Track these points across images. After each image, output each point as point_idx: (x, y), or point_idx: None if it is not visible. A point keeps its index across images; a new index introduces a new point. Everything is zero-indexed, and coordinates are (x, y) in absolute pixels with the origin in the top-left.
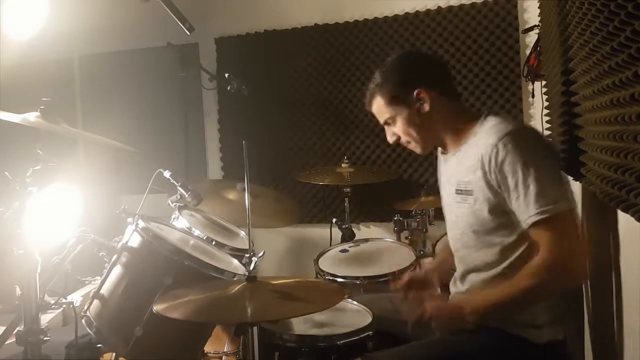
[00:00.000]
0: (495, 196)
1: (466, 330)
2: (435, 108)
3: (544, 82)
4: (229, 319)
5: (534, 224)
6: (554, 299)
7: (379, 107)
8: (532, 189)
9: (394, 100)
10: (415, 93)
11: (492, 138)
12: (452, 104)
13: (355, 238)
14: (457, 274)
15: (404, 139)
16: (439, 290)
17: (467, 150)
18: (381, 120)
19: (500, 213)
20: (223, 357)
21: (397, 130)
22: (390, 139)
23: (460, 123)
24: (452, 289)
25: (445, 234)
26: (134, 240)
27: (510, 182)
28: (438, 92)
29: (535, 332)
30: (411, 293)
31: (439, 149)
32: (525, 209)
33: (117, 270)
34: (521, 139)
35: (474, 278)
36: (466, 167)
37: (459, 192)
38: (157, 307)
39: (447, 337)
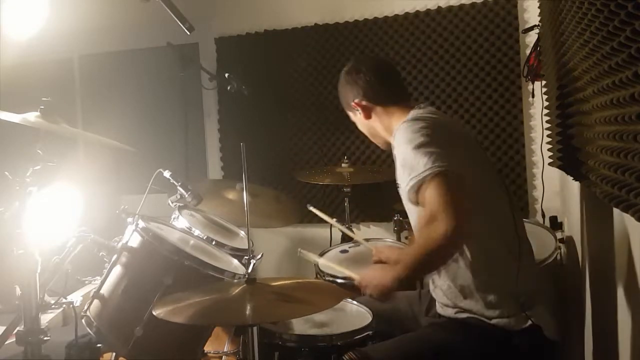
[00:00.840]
0: (401, 181)
1: (446, 323)
2: (371, 115)
3: (544, 82)
4: (228, 322)
5: (409, 191)
6: (502, 292)
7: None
8: (408, 164)
9: (344, 108)
10: (352, 104)
11: (395, 131)
12: (391, 107)
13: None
14: None
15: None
16: None
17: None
18: None
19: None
20: (223, 357)
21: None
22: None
23: (395, 122)
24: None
25: None
26: (134, 240)
27: (400, 163)
28: (371, 101)
29: (507, 322)
30: None
31: None
32: (406, 182)
33: (117, 270)
34: (407, 125)
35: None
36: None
37: (399, 185)
38: (157, 312)
39: (433, 330)
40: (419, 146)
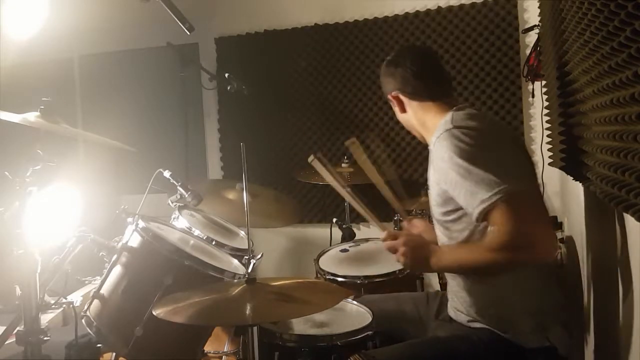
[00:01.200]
0: (441, 191)
1: (458, 331)
2: (409, 109)
3: (544, 82)
4: (228, 322)
5: (478, 217)
6: (535, 305)
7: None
8: (466, 184)
9: (387, 94)
10: (390, 96)
11: (435, 136)
12: (426, 102)
13: (355, 238)
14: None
15: None
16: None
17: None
18: None
19: (451, 208)
20: (223, 357)
21: None
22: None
23: (431, 120)
24: (449, 288)
25: None
26: (134, 240)
27: (449, 180)
28: (409, 96)
29: (522, 338)
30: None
31: None
32: (467, 204)
33: (117, 270)
34: (455, 134)
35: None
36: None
37: (429, 189)
38: (157, 312)
39: (444, 336)
40: (475, 164)
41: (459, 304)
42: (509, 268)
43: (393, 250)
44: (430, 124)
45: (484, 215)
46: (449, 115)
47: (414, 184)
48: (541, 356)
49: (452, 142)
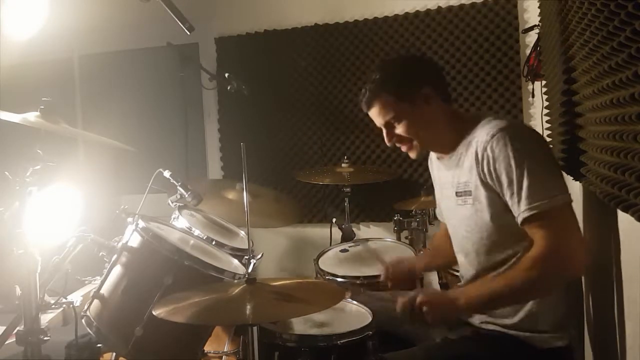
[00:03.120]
0: (491, 194)
1: (470, 333)
2: (437, 109)
3: (544, 82)
4: (229, 321)
5: (526, 220)
6: (555, 303)
7: (383, 106)
8: (525, 184)
9: (400, 97)
10: (421, 92)
11: (485, 135)
12: (449, 106)
13: (355, 238)
14: (467, 277)
15: (405, 140)
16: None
17: (465, 151)
18: (382, 121)
19: (501, 211)
20: (223, 357)
21: (401, 130)
22: (389, 141)
23: (458, 124)
24: None
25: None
26: (134, 240)
27: (504, 179)
28: (438, 94)
29: (538, 337)
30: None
31: (432, 154)
32: (518, 205)
33: (117, 270)
34: (514, 135)
35: None
36: (464, 167)
37: (459, 194)
38: (157, 312)
39: (455, 341)
40: (532, 166)
41: None
42: (546, 286)
43: (418, 316)
44: (456, 129)
45: (531, 220)
46: (488, 120)
47: (414, 184)
48: (555, 356)
49: (511, 141)
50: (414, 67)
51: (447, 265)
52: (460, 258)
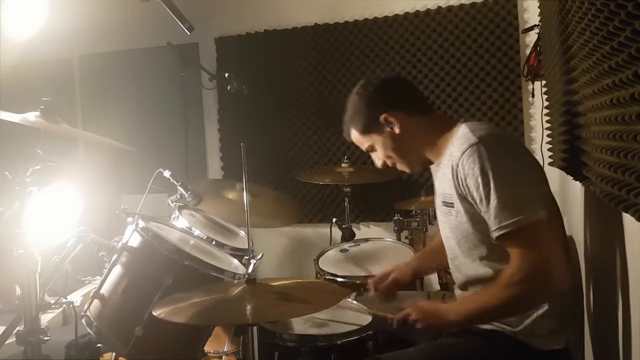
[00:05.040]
0: (469, 207)
1: (472, 333)
2: (405, 128)
3: (544, 82)
4: (229, 322)
5: (499, 238)
6: (553, 306)
7: (356, 138)
8: (493, 203)
9: (365, 129)
10: (382, 118)
11: (458, 150)
12: (422, 118)
13: (355, 238)
14: (457, 283)
15: (389, 162)
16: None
17: (446, 161)
18: (363, 149)
19: (482, 224)
20: (223, 357)
21: (379, 156)
22: (378, 163)
23: (436, 135)
24: (457, 294)
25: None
26: (134, 240)
27: (475, 195)
28: (404, 112)
29: (537, 340)
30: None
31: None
32: (491, 221)
33: (117, 270)
34: (484, 150)
35: (473, 290)
36: (446, 178)
37: (444, 204)
38: (157, 312)
39: (453, 341)
40: (503, 183)
41: None
42: (527, 302)
43: (410, 323)
44: (438, 137)
45: (502, 239)
46: (462, 130)
47: (414, 184)
48: (554, 358)
49: (480, 158)
50: (370, 98)
51: (439, 268)
52: (451, 264)
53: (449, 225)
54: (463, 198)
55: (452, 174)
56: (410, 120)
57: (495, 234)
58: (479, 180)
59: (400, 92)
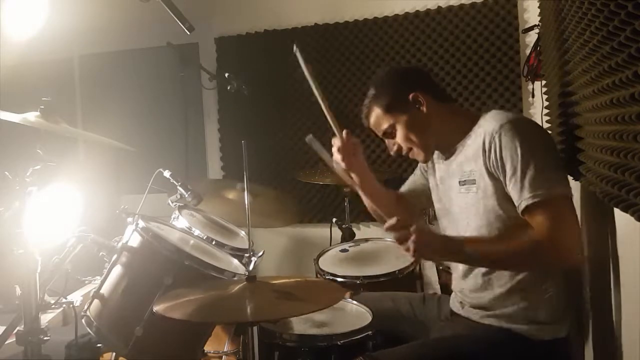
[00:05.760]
0: (495, 183)
1: (466, 329)
2: (432, 109)
3: (544, 82)
4: (229, 319)
5: (527, 208)
6: (553, 295)
7: (378, 118)
8: (529, 174)
9: (391, 107)
10: (411, 97)
11: (492, 126)
12: (447, 105)
13: (355, 238)
14: (462, 269)
15: (405, 146)
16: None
17: (470, 142)
18: (380, 133)
19: (503, 201)
20: (223, 356)
21: (398, 139)
22: (392, 149)
23: (460, 120)
24: (457, 286)
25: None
26: (134, 240)
27: (509, 168)
28: (431, 95)
29: (536, 328)
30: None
31: (435, 155)
32: (520, 193)
33: (117, 270)
34: (521, 126)
35: (475, 274)
36: (469, 156)
37: (462, 182)
38: (157, 308)
39: (449, 336)
40: (538, 157)
41: (470, 300)
42: (536, 268)
43: (402, 239)
44: (458, 126)
45: (532, 208)
46: (494, 112)
47: None
48: (553, 348)
49: (519, 131)
50: (402, 76)
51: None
52: None
53: (462, 205)
54: (489, 172)
55: (483, 149)
56: (437, 105)
57: (526, 202)
58: (519, 151)
59: (429, 78)
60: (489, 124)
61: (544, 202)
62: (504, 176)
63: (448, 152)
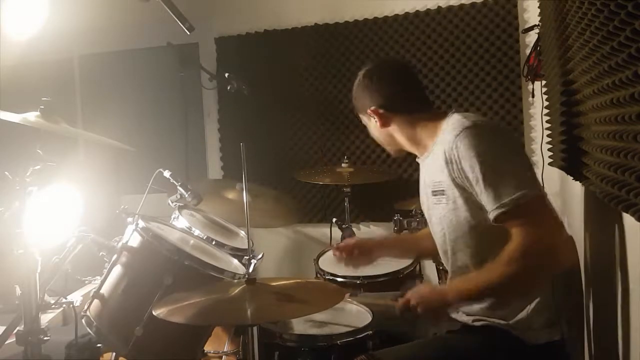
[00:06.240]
0: (463, 193)
1: (462, 329)
2: (387, 125)
3: (544, 82)
4: (229, 322)
5: (498, 218)
6: (543, 299)
7: (356, 113)
8: (491, 183)
9: (358, 111)
10: (369, 111)
11: (450, 136)
12: (410, 116)
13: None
14: (450, 275)
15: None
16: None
17: (437, 149)
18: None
19: (476, 210)
20: (223, 356)
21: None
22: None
23: (422, 130)
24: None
25: None
26: (134, 240)
27: (472, 178)
28: (391, 111)
29: (532, 333)
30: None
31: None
32: (487, 203)
33: (117, 270)
34: (477, 133)
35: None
36: (437, 166)
37: (434, 193)
38: (157, 312)
39: (447, 336)
40: (500, 163)
41: (462, 308)
42: (527, 279)
43: (414, 313)
44: (422, 134)
45: (503, 218)
46: (454, 118)
47: (414, 184)
48: (548, 352)
49: (475, 140)
50: (362, 89)
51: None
52: (442, 256)
53: (438, 215)
54: (457, 184)
55: (445, 159)
56: (395, 118)
57: (494, 214)
58: (475, 160)
59: (394, 89)
60: (447, 134)
61: (514, 210)
62: (471, 186)
63: (421, 154)
